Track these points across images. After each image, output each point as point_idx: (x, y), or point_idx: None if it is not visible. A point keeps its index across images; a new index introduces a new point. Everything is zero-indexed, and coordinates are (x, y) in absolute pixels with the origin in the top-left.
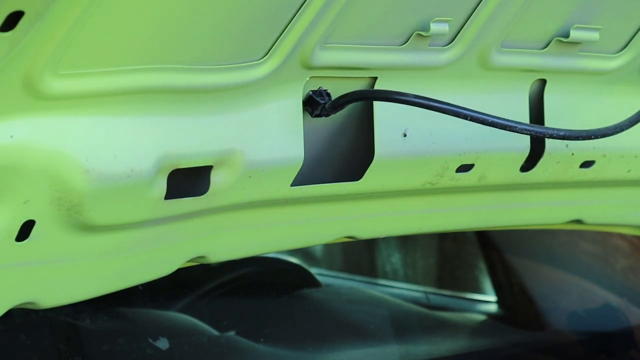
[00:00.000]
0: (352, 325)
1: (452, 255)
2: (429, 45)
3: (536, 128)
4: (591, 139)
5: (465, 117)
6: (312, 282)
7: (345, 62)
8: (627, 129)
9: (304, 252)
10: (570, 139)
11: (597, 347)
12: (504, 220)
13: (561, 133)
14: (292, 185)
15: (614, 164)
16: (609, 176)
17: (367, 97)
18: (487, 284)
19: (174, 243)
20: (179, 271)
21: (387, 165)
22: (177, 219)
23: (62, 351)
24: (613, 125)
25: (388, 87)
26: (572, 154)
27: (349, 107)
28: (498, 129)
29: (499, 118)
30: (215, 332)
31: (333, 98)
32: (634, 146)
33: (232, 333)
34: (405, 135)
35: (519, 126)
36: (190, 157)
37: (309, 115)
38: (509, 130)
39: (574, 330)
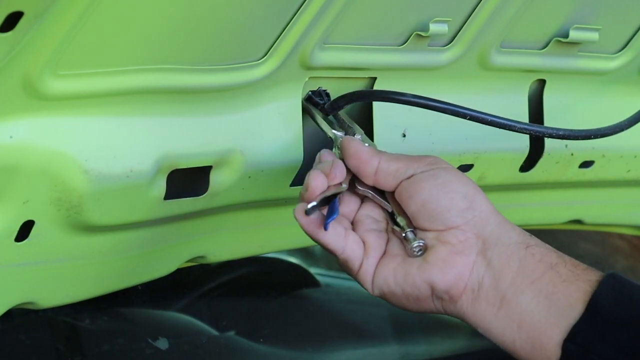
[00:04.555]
0: (352, 325)
1: None
2: (429, 46)
3: (535, 127)
4: (590, 138)
5: (464, 116)
6: (312, 282)
7: (344, 62)
8: (627, 128)
9: (304, 252)
10: (569, 139)
11: None
12: None
13: (560, 132)
14: (291, 185)
15: (613, 164)
16: (609, 176)
17: (366, 98)
18: None
19: (173, 243)
20: (179, 271)
21: None
22: (176, 219)
23: (62, 351)
24: (613, 125)
25: (387, 88)
26: (572, 154)
27: (348, 107)
28: (497, 129)
29: (498, 117)
30: (215, 332)
31: (332, 98)
32: (634, 146)
33: (232, 333)
34: (404, 136)
35: (518, 125)
36: (190, 158)
37: (308, 116)
38: (508, 129)
39: None
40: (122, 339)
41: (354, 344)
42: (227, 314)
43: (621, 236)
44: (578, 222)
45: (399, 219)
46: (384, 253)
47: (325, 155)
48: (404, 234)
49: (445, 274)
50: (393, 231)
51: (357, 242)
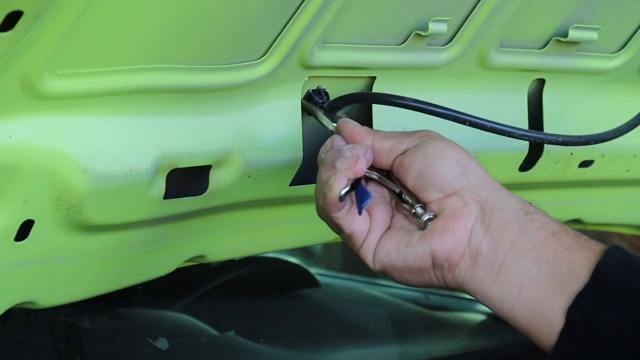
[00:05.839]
0: (352, 325)
1: None
2: (428, 45)
3: (535, 134)
4: (590, 144)
5: (464, 122)
6: (312, 282)
7: (343, 61)
8: (626, 132)
9: (304, 252)
10: (569, 145)
11: None
12: None
13: (560, 139)
14: (291, 184)
15: (612, 164)
16: (608, 176)
17: (365, 100)
18: None
19: (172, 242)
20: (179, 271)
21: None
22: (176, 219)
23: (62, 351)
24: (612, 129)
25: (386, 87)
26: (571, 154)
27: (347, 108)
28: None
29: (498, 123)
30: (215, 332)
31: (331, 97)
32: (633, 146)
33: (231, 333)
34: None
35: (518, 132)
36: (189, 157)
37: (307, 115)
38: (507, 135)
39: None
40: (122, 338)
41: (354, 344)
42: (227, 314)
43: (621, 236)
44: (578, 221)
45: (407, 197)
46: (389, 227)
47: (337, 141)
48: (413, 210)
49: (444, 240)
50: (398, 208)
51: (365, 216)
